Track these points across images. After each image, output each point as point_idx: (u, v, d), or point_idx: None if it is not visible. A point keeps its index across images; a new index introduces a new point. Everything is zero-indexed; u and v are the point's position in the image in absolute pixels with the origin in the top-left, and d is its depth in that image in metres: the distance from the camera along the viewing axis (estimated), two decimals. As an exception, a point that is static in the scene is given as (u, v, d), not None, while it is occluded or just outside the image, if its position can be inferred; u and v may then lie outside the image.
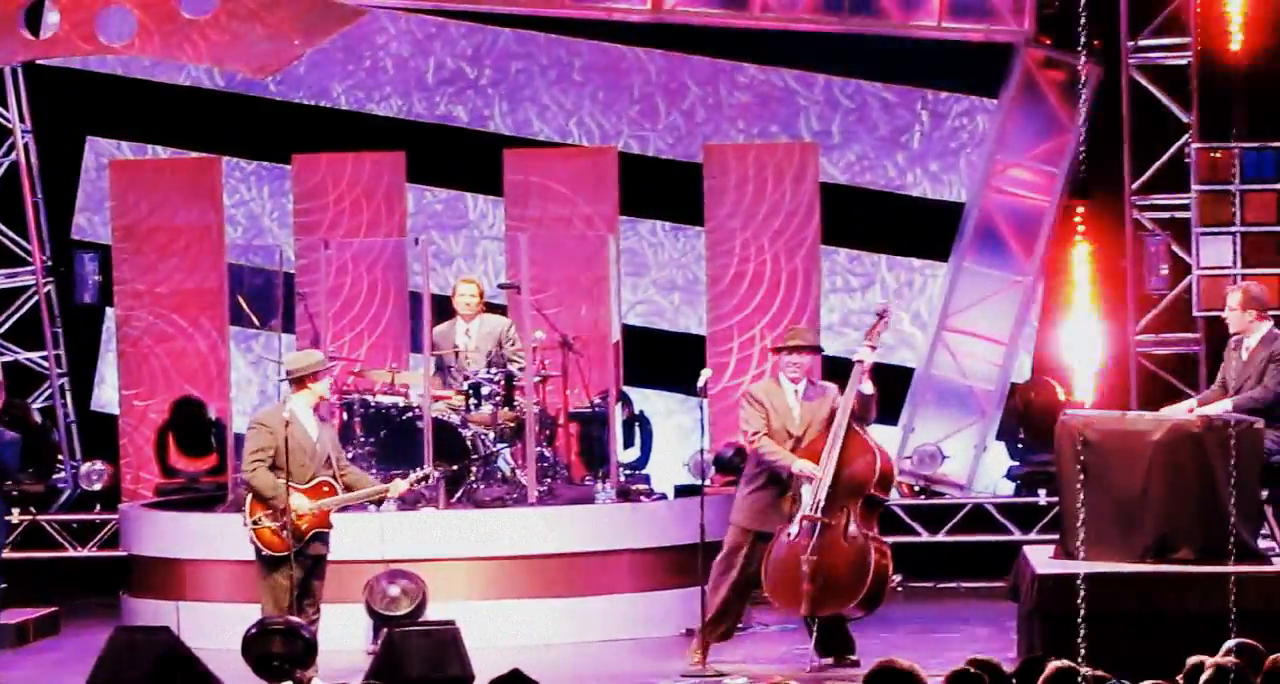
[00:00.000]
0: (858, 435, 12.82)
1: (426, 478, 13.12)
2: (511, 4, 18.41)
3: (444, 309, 16.44)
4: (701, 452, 14.96)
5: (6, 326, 18.61)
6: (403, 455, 15.10)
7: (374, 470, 14.28)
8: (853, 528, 12.86)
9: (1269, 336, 12.92)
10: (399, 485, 12.42)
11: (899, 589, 15.55)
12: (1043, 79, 18.02)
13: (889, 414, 17.13)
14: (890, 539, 14.47)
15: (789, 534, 12.60)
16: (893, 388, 17.03)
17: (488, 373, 15.35)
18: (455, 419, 15.26)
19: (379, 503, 13.96)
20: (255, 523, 11.71)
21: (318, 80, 18.98)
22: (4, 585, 15.82)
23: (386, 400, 15.57)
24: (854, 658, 12.62)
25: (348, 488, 11.84)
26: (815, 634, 12.87)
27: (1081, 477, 12.50)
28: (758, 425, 12.70)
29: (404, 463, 14.53)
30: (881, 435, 15.36)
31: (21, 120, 18.59)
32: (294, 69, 18.55)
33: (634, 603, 14.63)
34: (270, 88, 18.65)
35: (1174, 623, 11.32)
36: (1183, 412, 13.22)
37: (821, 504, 12.50)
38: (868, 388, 12.94)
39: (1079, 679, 7.17)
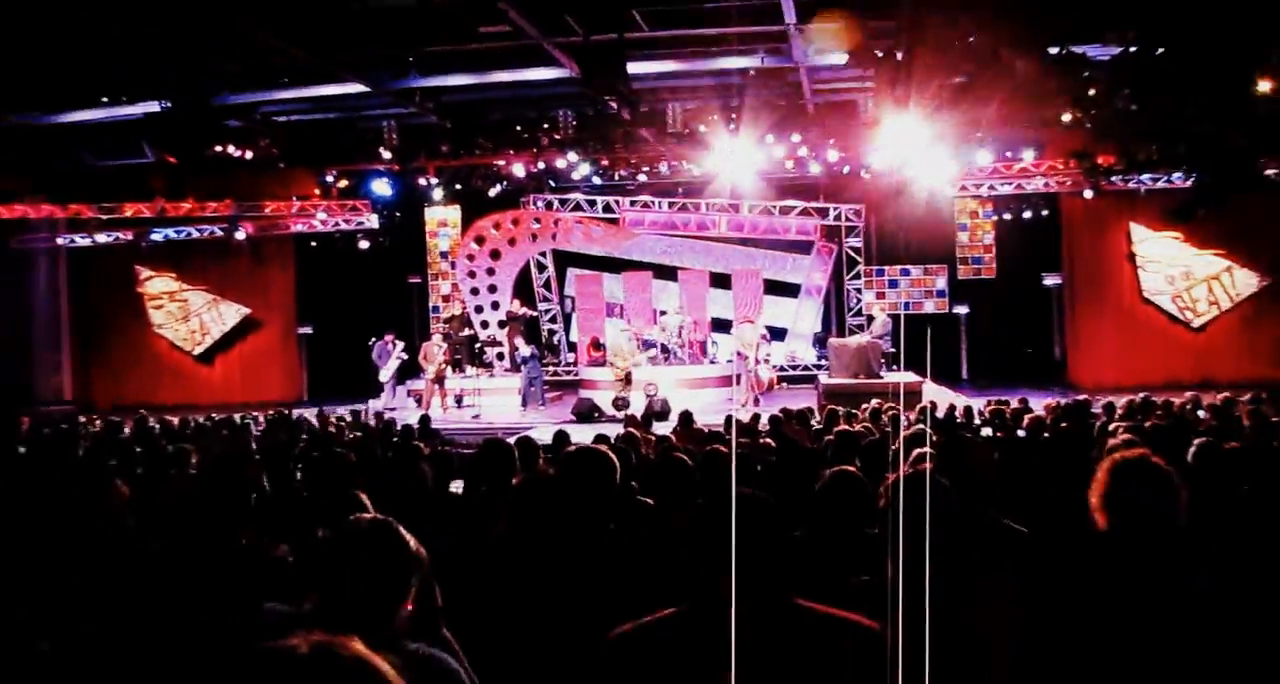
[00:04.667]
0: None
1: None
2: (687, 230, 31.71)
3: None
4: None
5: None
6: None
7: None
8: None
9: (884, 319, 26.03)
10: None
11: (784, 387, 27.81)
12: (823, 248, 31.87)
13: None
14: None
15: None
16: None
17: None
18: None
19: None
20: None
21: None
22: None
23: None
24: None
25: None
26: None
27: (835, 356, 25.82)
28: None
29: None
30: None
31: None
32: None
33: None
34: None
35: (858, 394, 21.04)
36: (855, 340, 25.94)
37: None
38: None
39: (839, 413, 15.52)
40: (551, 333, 33.17)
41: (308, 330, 32.56)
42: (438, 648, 3.78)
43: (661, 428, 17.66)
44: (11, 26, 17.28)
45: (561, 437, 12.83)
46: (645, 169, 30.28)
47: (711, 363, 29.31)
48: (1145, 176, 23.83)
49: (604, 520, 5.30)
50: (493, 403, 27.45)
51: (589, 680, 3.47)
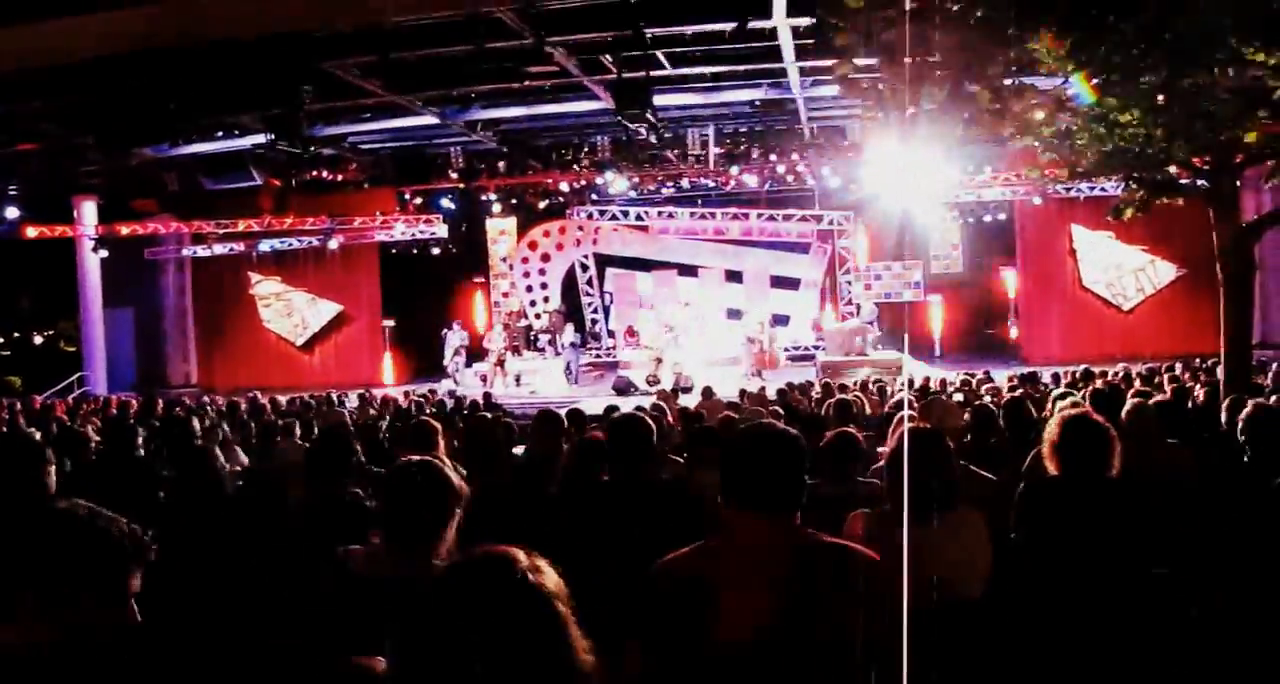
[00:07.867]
0: None
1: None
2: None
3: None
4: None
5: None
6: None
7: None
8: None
9: (871, 307, 26.43)
10: None
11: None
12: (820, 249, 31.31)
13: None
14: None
15: None
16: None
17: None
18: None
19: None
20: None
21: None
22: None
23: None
24: None
25: None
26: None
27: (830, 338, 26.48)
28: None
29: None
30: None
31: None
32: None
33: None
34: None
35: (850, 370, 22.56)
36: (847, 324, 27.64)
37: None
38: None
39: (833, 385, 15.58)
40: (594, 322, 33.32)
41: (390, 323, 32.14)
42: None
43: (686, 400, 17.81)
44: (139, 74, 17.38)
45: (612, 409, 13.01)
46: (670, 184, 30.68)
47: (727, 345, 29.67)
48: (1083, 185, 23.97)
49: (645, 472, 5.27)
50: (545, 381, 27.93)
51: (636, 603, 3.54)
